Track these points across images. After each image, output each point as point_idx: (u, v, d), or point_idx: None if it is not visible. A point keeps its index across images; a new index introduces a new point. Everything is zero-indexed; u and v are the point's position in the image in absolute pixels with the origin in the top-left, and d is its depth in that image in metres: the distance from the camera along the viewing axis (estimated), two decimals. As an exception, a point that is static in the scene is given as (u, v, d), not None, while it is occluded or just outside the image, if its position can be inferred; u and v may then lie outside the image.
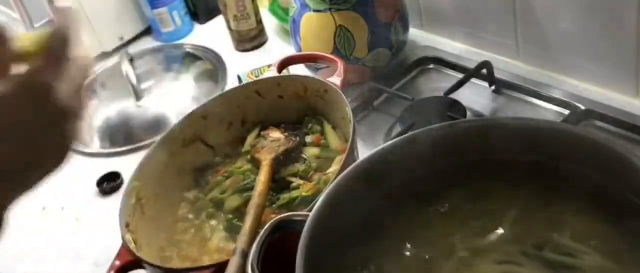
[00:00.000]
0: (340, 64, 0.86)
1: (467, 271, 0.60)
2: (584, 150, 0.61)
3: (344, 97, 0.81)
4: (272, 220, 0.62)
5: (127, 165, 1.03)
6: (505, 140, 0.65)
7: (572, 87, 0.92)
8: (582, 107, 0.87)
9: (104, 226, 0.95)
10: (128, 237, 0.73)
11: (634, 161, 0.57)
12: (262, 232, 0.61)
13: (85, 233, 0.95)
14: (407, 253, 0.63)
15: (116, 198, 0.98)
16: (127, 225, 0.75)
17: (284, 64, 0.92)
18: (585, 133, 0.63)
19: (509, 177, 0.64)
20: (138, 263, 0.71)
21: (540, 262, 0.58)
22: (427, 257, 0.62)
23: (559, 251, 0.58)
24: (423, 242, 0.63)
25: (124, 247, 0.72)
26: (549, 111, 0.91)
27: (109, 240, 0.78)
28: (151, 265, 0.71)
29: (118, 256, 0.71)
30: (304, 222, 0.60)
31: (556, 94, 0.91)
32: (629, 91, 0.87)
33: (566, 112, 0.88)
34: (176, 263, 0.76)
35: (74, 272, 0.90)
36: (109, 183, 1.01)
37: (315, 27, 0.98)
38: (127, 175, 1.00)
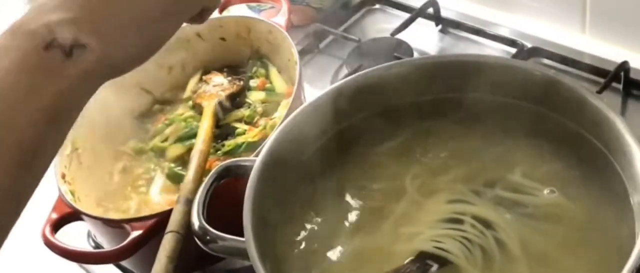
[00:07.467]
0: (284, 3, 0.83)
1: (418, 211, 0.59)
2: (535, 87, 0.60)
3: (290, 38, 0.78)
4: (218, 166, 0.60)
5: (62, 114, 0.99)
6: (455, 78, 0.64)
7: (519, 24, 0.91)
8: (529, 45, 0.87)
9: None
10: (64, 188, 0.70)
11: (586, 97, 0.56)
12: (207, 178, 0.59)
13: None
14: (356, 195, 0.62)
15: (51, 150, 0.94)
16: (63, 176, 0.71)
17: (225, 4, 0.89)
18: (536, 69, 0.62)
19: (458, 115, 0.64)
20: (76, 215, 0.68)
21: (492, 200, 0.57)
22: (376, 198, 0.61)
23: (510, 189, 0.58)
24: (372, 184, 0.62)
25: (61, 198, 0.69)
26: (495, 50, 0.90)
27: (44, 193, 0.74)
28: (90, 216, 0.68)
29: (54, 208, 0.68)
30: (250, 167, 0.58)
31: (503, 33, 0.90)
32: (575, 27, 0.87)
33: (513, 50, 0.87)
34: (117, 214, 0.73)
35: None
36: (43, 134, 0.96)
37: (257, -35, 0.94)
38: (62, 125, 0.96)
